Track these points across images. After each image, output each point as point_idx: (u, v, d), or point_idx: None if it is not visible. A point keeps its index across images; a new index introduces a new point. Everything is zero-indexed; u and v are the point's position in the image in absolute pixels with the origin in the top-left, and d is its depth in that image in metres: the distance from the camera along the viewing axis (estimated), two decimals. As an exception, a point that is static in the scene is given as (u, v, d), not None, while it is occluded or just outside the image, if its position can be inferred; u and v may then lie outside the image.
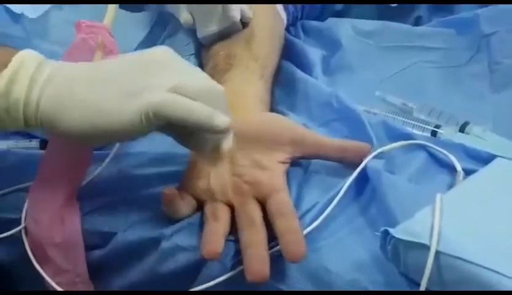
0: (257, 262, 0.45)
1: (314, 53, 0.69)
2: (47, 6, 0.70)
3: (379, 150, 0.52)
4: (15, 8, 0.68)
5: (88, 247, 0.52)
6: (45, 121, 0.46)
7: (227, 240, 0.48)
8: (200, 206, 0.52)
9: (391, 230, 0.43)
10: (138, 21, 0.72)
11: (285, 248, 0.45)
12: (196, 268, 0.48)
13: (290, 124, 0.56)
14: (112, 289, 0.53)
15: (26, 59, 0.46)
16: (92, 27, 0.54)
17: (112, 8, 0.56)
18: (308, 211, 0.50)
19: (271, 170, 0.52)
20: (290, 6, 0.74)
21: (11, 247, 0.53)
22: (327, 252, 0.47)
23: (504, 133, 0.57)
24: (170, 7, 0.68)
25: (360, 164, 0.51)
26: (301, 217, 0.49)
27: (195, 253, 0.49)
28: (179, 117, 0.44)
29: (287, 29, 0.73)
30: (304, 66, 0.68)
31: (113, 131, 0.45)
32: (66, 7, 0.71)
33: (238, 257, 0.47)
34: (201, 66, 0.67)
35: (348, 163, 0.53)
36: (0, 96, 0.45)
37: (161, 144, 0.59)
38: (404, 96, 0.63)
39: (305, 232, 0.47)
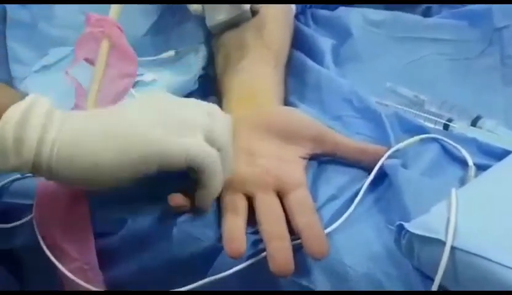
0: (282, 255, 0.45)
1: (325, 42, 0.68)
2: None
3: (395, 148, 0.52)
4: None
5: (99, 234, 0.52)
6: (62, 155, 0.44)
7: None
8: None
9: (405, 225, 0.43)
10: (146, 8, 0.71)
11: (307, 246, 0.45)
12: (209, 257, 0.48)
13: (312, 121, 0.56)
14: (123, 276, 0.53)
15: (37, 99, 0.45)
16: (101, 20, 0.54)
17: (114, 12, 0.56)
18: (325, 204, 0.50)
19: (292, 164, 0.52)
20: (299, -7, 0.73)
21: (24, 234, 0.53)
22: (343, 245, 0.47)
23: (515, 127, 0.57)
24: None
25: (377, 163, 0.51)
26: (318, 210, 0.49)
27: (207, 242, 0.49)
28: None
29: (296, 17, 0.72)
30: (315, 55, 0.67)
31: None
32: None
33: (253, 249, 0.47)
34: (211, 54, 0.67)
35: (364, 164, 0.53)
36: (15, 124, 0.42)
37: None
38: (415, 88, 0.63)
39: (326, 231, 0.47)
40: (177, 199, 0.49)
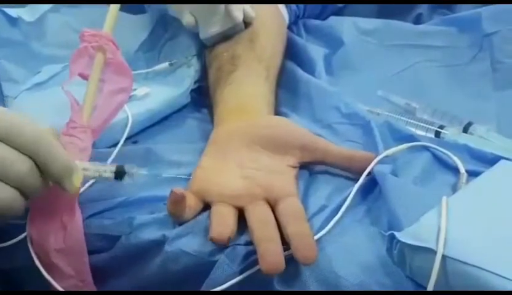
0: (272, 254, 0.45)
1: (317, 51, 0.69)
2: (44, 9, 0.69)
3: (384, 155, 0.52)
4: (12, 12, 0.68)
5: (93, 251, 0.52)
6: None
7: (235, 244, 0.47)
8: (206, 208, 0.52)
9: (397, 234, 0.43)
10: (139, 23, 0.72)
11: (297, 252, 0.45)
12: (202, 273, 0.48)
13: (300, 130, 0.56)
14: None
15: None
16: (95, 35, 0.54)
17: (112, 14, 0.56)
18: (316, 213, 0.50)
19: (281, 174, 0.52)
20: (292, 4, 0.73)
21: (16, 254, 0.53)
22: (335, 256, 0.47)
23: (507, 132, 0.57)
24: (172, 10, 0.68)
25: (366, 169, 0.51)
26: (308, 220, 0.49)
27: (199, 258, 0.49)
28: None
29: (289, 28, 0.73)
30: (307, 64, 0.68)
31: None
32: (63, 10, 0.71)
33: (247, 261, 0.47)
34: (204, 67, 0.67)
35: (353, 171, 0.53)
36: None
37: (167, 146, 0.60)
38: (406, 95, 0.63)
39: (316, 237, 0.47)
40: (180, 190, 0.49)
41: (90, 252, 0.52)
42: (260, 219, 0.48)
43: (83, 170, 0.48)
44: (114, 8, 0.57)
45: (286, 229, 0.47)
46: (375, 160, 0.51)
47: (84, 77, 0.56)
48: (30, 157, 0.43)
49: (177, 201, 0.49)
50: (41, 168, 0.43)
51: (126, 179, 0.50)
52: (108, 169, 0.49)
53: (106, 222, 0.53)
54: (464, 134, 0.57)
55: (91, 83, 0.55)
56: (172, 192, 0.49)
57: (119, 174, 0.49)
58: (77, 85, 0.55)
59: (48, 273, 0.51)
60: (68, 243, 0.51)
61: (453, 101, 0.63)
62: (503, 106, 0.61)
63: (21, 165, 0.42)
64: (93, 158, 0.53)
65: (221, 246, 0.47)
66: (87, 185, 0.54)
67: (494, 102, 0.62)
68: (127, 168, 0.49)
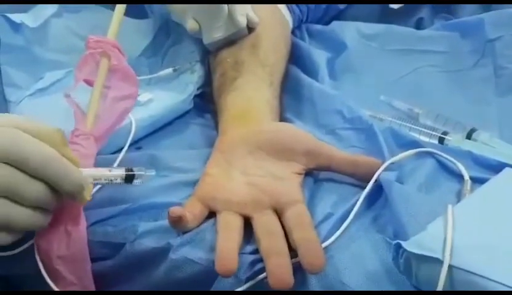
0: (281, 270, 0.45)
1: (320, 56, 0.69)
2: (47, 14, 0.69)
3: (390, 161, 0.52)
4: (15, 17, 0.67)
5: (97, 258, 0.52)
6: None
7: (240, 253, 0.47)
8: (211, 215, 0.52)
9: (403, 243, 0.43)
10: (142, 28, 0.71)
11: (304, 259, 0.45)
12: (207, 281, 0.48)
13: (305, 135, 0.55)
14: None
15: None
16: (100, 42, 0.54)
17: (116, 18, 0.56)
18: (322, 222, 0.50)
19: (287, 181, 0.52)
20: (296, 8, 0.74)
21: (23, 261, 0.53)
22: (342, 264, 0.47)
23: (509, 138, 0.57)
24: (175, 15, 0.68)
25: (372, 176, 0.51)
26: (315, 228, 0.49)
27: (204, 266, 0.48)
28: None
29: (292, 32, 0.73)
30: (310, 68, 0.68)
31: None
32: (66, 15, 0.70)
33: (252, 270, 0.47)
34: (208, 73, 0.67)
35: (359, 177, 0.53)
36: None
37: (170, 152, 0.60)
38: (409, 100, 0.63)
39: (323, 245, 0.47)
40: (177, 211, 0.49)
41: (94, 260, 0.52)
42: (267, 229, 0.48)
43: (94, 180, 0.49)
44: (119, 11, 0.57)
45: (293, 236, 0.47)
46: (382, 167, 0.51)
47: (90, 84, 0.56)
48: (42, 179, 0.44)
49: (175, 221, 0.49)
50: (54, 187, 0.45)
51: (135, 182, 0.50)
52: (118, 176, 0.50)
53: (110, 229, 0.53)
54: (467, 140, 0.57)
55: (95, 90, 0.55)
56: (168, 213, 0.49)
57: (129, 178, 0.50)
58: (82, 91, 0.55)
59: (52, 280, 0.51)
60: (71, 250, 0.51)
61: (455, 106, 0.63)
62: (505, 111, 0.61)
63: (34, 189, 0.44)
64: (96, 165, 0.53)
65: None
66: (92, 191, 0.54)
67: (496, 108, 0.62)
68: (136, 171, 0.50)
